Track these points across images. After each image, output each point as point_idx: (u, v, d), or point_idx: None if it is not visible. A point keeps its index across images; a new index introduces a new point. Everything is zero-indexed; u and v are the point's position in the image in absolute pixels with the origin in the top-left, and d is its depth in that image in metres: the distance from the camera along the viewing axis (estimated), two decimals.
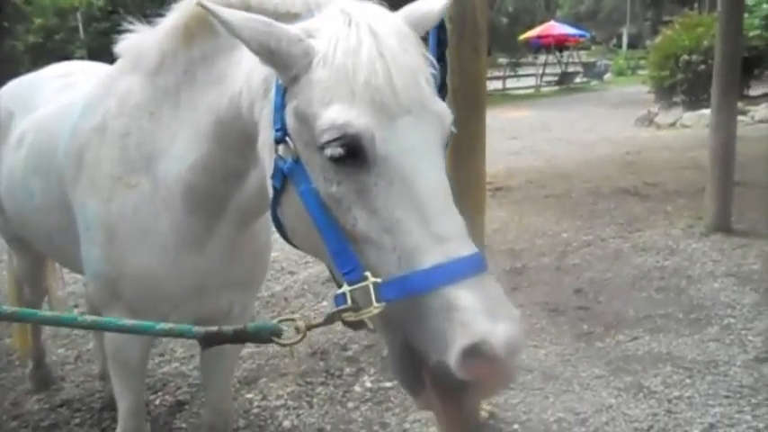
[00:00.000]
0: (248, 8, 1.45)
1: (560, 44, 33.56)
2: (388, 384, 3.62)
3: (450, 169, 2.47)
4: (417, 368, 1.20)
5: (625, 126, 14.78)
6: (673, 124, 14.37)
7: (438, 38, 2.37)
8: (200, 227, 1.85)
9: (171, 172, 1.79)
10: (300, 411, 3.42)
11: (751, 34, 13.67)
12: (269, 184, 1.40)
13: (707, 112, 11.43)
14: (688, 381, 3.46)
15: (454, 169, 2.47)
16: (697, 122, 13.46)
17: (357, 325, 1.29)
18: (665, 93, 15.80)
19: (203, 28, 1.60)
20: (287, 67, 1.27)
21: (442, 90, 2.39)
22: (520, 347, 1.12)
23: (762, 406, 3.18)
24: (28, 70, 3.23)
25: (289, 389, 3.66)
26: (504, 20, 29.50)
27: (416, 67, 1.29)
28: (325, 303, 4.87)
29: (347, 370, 3.83)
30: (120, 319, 1.40)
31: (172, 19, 1.72)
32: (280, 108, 1.32)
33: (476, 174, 2.62)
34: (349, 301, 1.21)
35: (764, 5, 14.11)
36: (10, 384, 4.00)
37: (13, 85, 2.96)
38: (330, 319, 1.27)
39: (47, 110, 2.44)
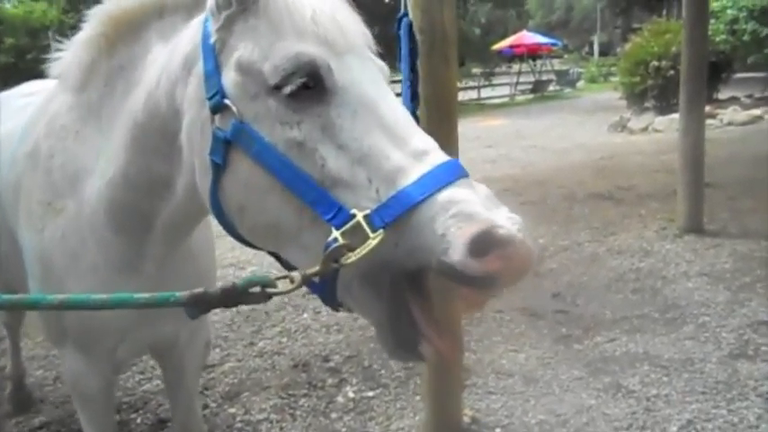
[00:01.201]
0: (162, 4, 1.47)
1: (533, 53, 34.00)
2: (371, 394, 3.64)
3: None
4: (410, 323, 1.14)
5: (598, 132, 15.02)
6: (645, 129, 14.61)
7: (409, 48, 2.42)
8: (128, 248, 1.70)
9: (94, 191, 1.67)
10: (284, 424, 3.41)
11: (717, 39, 14.02)
12: (204, 166, 1.32)
13: (678, 116, 11.68)
14: (665, 379, 3.52)
15: None
16: (668, 126, 13.70)
17: (333, 301, 1.21)
18: (636, 98, 16.09)
19: (122, 35, 1.55)
20: (228, 4, 1.25)
21: (414, 100, 2.44)
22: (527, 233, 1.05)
23: (736, 401, 3.25)
24: None
25: (271, 402, 3.65)
26: (477, 30, 29.78)
27: (353, 14, 1.34)
28: (305, 315, 4.87)
29: (329, 381, 3.83)
30: (95, 294, 1.23)
31: (87, 30, 1.61)
32: (213, 73, 1.27)
33: None
34: (341, 240, 1.10)
35: (729, 11, 14.47)
36: None
37: None
38: (326, 263, 1.12)
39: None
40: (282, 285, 1.19)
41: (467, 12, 27.68)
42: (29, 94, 2.57)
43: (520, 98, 29.93)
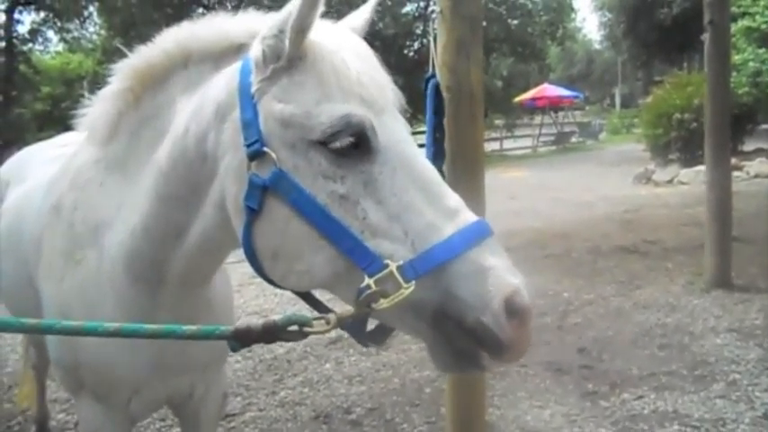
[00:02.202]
0: (188, 54, 1.52)
1: (555, 105, 34.27)
2: None
3: None
4: (463, 334, 1.20)
5: (623, 184, 14.96)
6: (670, 181, 14.55)
7: (435, 106, 2.47)
8: (143, 299, 1.71)
9: (114, 242, 1.69)
10: None
11: (740, 92, 14.03)
12: (237, 210, 1.35)
13: (703, 168, 11.61)
14: None
15: None
16: (694, 179, 13.64)
17: (371, 340, 1.33)
18: (660, 150, 16.08)
19: (148, 87, 1.59)
20: (276, 58, 1.30)
21: (439, 158, 2.49)
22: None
23: None
24: (34, 138, 3.29)
25: None
26: (499, 83, 30.21)
27: (384, 72, 1.41)
28: (327, 366, 4.84)
29: None
30: (146, 325, 1.30)
31: (114, 84, 1.65)
32: (252, 121, 1.32)
33: None
34: (374, 287, 1.19)
35: (751, 64, 14.52)
36: None
37: (18, 154, 2.99)
38: (359, 308, 1.22)
39: (26, 185, 2.39)
40: (318, 326, 1.28)
41: (489, 65, 28.09)
42: (63, 146, 2.61)
43: (542, 150, 30.06)
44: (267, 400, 4.34)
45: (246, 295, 6.64)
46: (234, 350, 1.35)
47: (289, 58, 1.31)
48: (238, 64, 1.41)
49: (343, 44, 1.36)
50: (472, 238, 1.22)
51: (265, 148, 1.29)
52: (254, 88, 1.34)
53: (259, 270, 1.38)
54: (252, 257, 1.36)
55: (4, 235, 2.35)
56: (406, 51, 27.71)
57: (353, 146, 1.26)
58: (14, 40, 23.37)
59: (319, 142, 1.27)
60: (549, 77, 40.53)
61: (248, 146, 1.31)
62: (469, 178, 2.63)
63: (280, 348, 5.24)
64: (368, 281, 1.20)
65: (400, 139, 1.32)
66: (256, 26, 1.44)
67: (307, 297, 1.49)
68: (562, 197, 13.30)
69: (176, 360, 1.87)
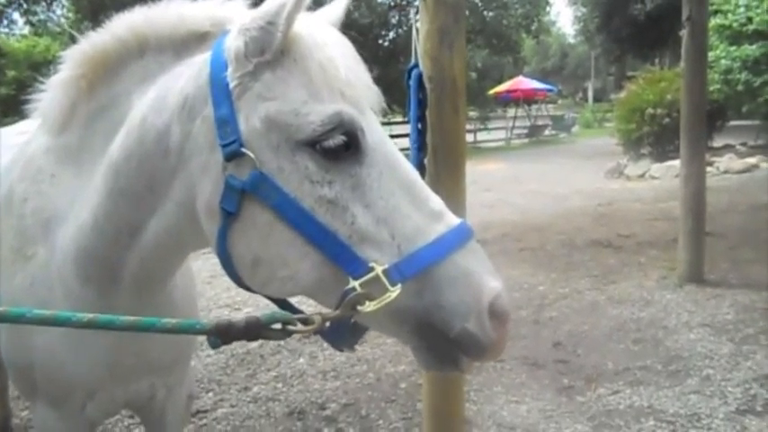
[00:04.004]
0: (144, 42, 1.42)
1: (529, 98, 34.43)
2: None
3: None
4: (445, 339, 1.20)
5: (595, 178, 15.10)
6: (642, 176, 14.72)
7: (418, 98, 2.40)
8: (96, 300, 1.59)
9: (66, 238, 1.58)
10: None
11: (711, 88, 14.21)
12: (212, 213, 1.27)
13: (674, 163, 11.75)
14: None
15: None
16: (665, 173, 13.82)
17: (341, 344, 1.32)
18: (632, 145, 16.23)
19: (102, 76, 1.48)
20: (260, 51, 1.22)
21: (422, 150, 2.42)
22: None
23: None
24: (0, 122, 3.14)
25: None
26: (474, 75, 30.23)
27: (365, 67, 1.36)
28: (301, 360, 4.76)
29: (325, 430, 3.72)
30: (120, 317, 1.22)
31: (65, 71, 1.52)
32: (229, 119, 1.23)
33: None
34: (359, 290, 1.16)
35: (723, 61, 14.70)
36: None
37: None
38: (344, 310, 1.18)
39: None
40: (301, 325, 1.24)
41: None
42: (22, 133, 2.41)
43: (516, 142, 30.22)
44: (239, 396, 4.25)
45: (218, 287, 6.51)
46: (214, 347, 1.26)
47: (276, 51, 1.22)
48: (207, 55, 1.31)
49: (327, 38, 1.29)
50: (456, 241, 1.22)
51: (244, 149, 1.21)
52: (233, 84, 1.24)
53: (235, 276, 1.31)
54: (227, 263, 1.29)
55: None
56: (381, 41, 27.56)
57: (344, 146, 1.20)
58: None
59: (306, 143, 1.20)
60: (523, 70, 40.73)
61: (224, 146, 1.23)
62: (451, 170, 2.57)
63: (252, 343, 5.15)
64: (353, 283, 1.17)
65: (383, 139, 1.29)
66: (218, 14, 1.36)
67: (281, 302, 1.43)
68: (536, 190, 13.36)
69: (134, 362, 1.77)
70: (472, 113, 32.60)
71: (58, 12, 28.09)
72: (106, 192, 1.47)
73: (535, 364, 4.48)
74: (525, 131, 32.00)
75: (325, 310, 1.24)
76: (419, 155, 2.41)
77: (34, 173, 1.68)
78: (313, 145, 1.20)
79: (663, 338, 4.81)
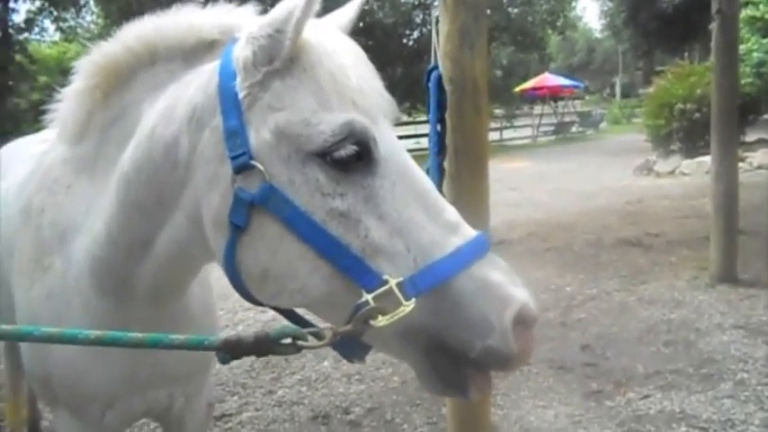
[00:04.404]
0: (153, 51, 1.40)
1: (555, 95, 34.08)
2: None
3: None
4: (454, 365, 1.17)
5: (624, 175, 14.84)
6: (671, 172, 14.43)
7: (438, 100, 2.36)
8: (112, 311, 1.59)
9: (81, 250, 1.57)
10: None
11: (743, 82, 13.88)
12: (220, 227, 1.24)
13: (705, 159, 11.52)
14: None
15: None
16: (696, 170, 13.53)
17: (352, 357, 1.27)
18: (661, 141, 15.94)
19: (114, 86, 1.47)
20: (269, 60, 1.19)
21: (440, 153, 2.37)
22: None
23: None
24: (31, 128, 3.17)
25: None
26: (499, 73, 30.02)
27: (377, 74, 1.32)
28: (326, 363, 4.74)
29: None
30: (129, 332, 1.23)
31: (79, 82, 1.51)
32: (238, 130, 1.20)
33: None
34: (372, 303, 1.12)
35: (755, 54, 14.35)
36: None
37: (2, 149, 2.88)
38: (358, 323, 1.14)
39: (4, 184, 2.26)
40: (312, 340, 1.22)
41: (488, 54, 27.86)
42: (44, 141, 2.51)
43: (542, 140, 29.93)
44: (264, 400, 4.25)
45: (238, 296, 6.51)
46: (223, 362, 1.25)
47: (285, 60, 1.19)
48: (215, 64, 1.29)
49: (336, 46, 1.25)
50: (474, 253, 1.16)
51: (253, 162, 1.18)
52: (242, 94, 1.21)
53: (242, 289, 1.28)
54: (235, 276, 1.26)
55: None
56: (405, 41, 27.47)
57: (356, 157, 1.16)
58: (10, 30, 23.14)
59: (317, 154, 1.17)
60: (549, 67, 40.34)
61: (233, 158, 1.20)
62: (474, 173, 2.52)
63: None
64: (366, 297, 1.13)
65: (396, 149, 1.24)
66: (226, 21, 1.34)
67: (288, 313, 1.40)
68: (563, 188, 13.18)
69: (151, 372, 1.76)
70: (498, 111, 32.39)
71: (88, 18, 28.57)
72: (118, 203, 1.46)
73: (563, 367, 4.40)
74: (552, 129, 31.66)
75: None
76: (438, 158, 2.37)
77: (51, 183, 1.69)
78: (324, 156, 1.17)
79: (695, 341, 4.69)
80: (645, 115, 17.65)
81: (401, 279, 1.13)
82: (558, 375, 4.28)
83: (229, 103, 1.22)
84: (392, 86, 1.57)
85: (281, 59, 1.19)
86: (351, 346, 1.25)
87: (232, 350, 1.20)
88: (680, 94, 15.05)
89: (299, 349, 1.21)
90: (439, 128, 2.38)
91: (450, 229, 1.19)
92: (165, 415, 2.05)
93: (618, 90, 54.59)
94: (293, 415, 4.01)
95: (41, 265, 1.68)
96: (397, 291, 1.12)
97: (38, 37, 27.31)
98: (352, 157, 1.17)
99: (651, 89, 17.74)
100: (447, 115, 2.38)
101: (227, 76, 1.24)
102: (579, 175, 15.31)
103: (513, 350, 1.12)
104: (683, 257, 6.89)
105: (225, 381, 4.53)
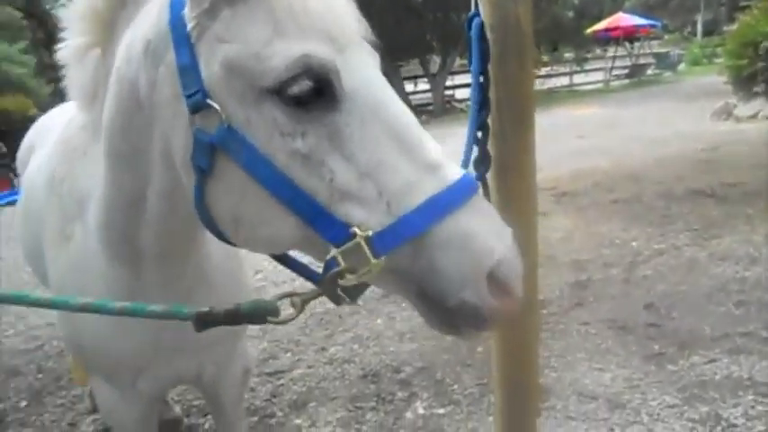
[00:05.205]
0: None
1: (630, 35, 32.31)
2: (442, 411, 3.45)
3: (496, 190, 2.26)
4: (442, 311, 1.10)
5: (701, 120, 13.96)
6: (753, 116, 13.48)
7: (480, 50, 2.18)
8: (124, 275, 1.58)
9: (92, 215, 1.55)
10: None
11: None
12: (186, 169, 1.17)
13: None
14: None
15: (500, 190, 2.26)
16: None
17: (346, 295, 1.17)
18: (743, 83, 14.84)
19: (108, 35, 1.34)
20: None
21: (484, 108, 2.21)
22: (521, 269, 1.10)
23: None
24: None
25: (338, 414, 3.53)
26: (570, 14, 28.61)
27: None
28: (379, 321, 4.72)
29: (399, 395, 3.67)
30: (111, 303, 1.28)
31: (73, 40, 1.41)
32: (190, 66, 1.10)
33: (525, 194, 2.39)
34: (341, 263, 1.06)
35: None
36: (69, 403, 4.05)
37: (43, 117, 2.91)
38: (324, 287, 1.11)
39: (41, 152, 2.27)
40: (283, 314, 1.21)
41: None
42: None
43: (615, 84, 28.59)
44: (316, 357, 4.27)
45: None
46: (198, 331, 1.24)
47: None
48: None
49: None
50: (457, 198, 1.07)
51: (209, 100, 1.09)
52: (190, 25, 1.10)
53: (218, 235, 1.22)
54: (208, 221, 1.19)
55: (23, 203, 2.31)
56: None
57: (314, 93, 1.05)
58: None
59: (273, 91, 1.05)
60: (623, 6, 38.22)
61: (188, 96, 1.10)
62: (519, 129, 2.34)
63: (330, 303, 5.15)
64: (334, 252, 1.07)
65: (369, 80, 1.11)
66: None
67: (284, 259, 1.33)
68: (633, 134, 12.51)
69: (175, 340, 1.75)
70: (568, 55, 31.08)
71: None
72: (105, 158, 1.41)
73: (623, 327, 4.21)
74: (625, 72, 30.18)
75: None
76: (481, 113, 2.20)
77: (70, 151, 1.68)
78: (279, 93, 1.05)
79: None
80: (725, 55, 16.47)
81: (369, 234, 1.05)
82: (617, 336, 4.09)
83: (179, 35, 1.12)
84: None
85: None
86: (334, 297, 1.17)
87: (203, 321, 1.22)
88: (766, 31, 13.94)
89: (266, 320, 1.20)
90: (483, 81, 2.21)
91: (429, 170, 1.08)
92: (199, 382, 2.08)
93: (699, 28, 51.34)
94: (344, 373, 4.01)
95: (64, 234, 1.70)
96: (365, 247, 1.04)
97: None
98: (309, 94, 1.05)
99: (734, 26, 16.50)
100: (489, 67, 2.21)
101: (177, 5, 1.13)
102: (652, 121, 14.53)
103: (489, 305, 1.05)
104: (760, 210, 6.41)
105: (279, 338, 4.58)
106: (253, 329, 4.42)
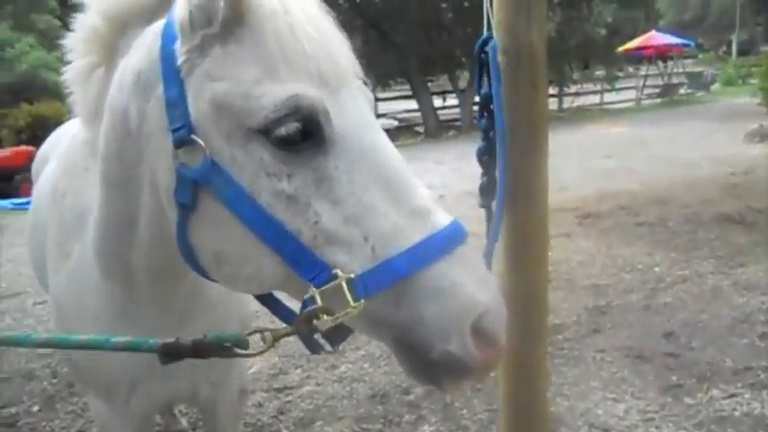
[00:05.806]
0: (124, 17, 1.30)
1: (662, 54, 31.92)
2: None
3: (508, 216, 2.21)
4: (423, 359, 1.06)
5: (732, 142, 13.65)
6: None
7: (497, 74, 2.15)
8: (119, 294, 1.56)
9: (89, 232, 1.54)
10: None
11: None
12: (170, 204, 1.15)
13: None
14: None
15: (512, 215, 2.22)
16: None
17: (327, 340, 1.15)
18: None
19: (112, 57, 1.34)
20: (208, 21, 1.06)
21: (490, 131, 2.17)
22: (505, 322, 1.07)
23: None
24: None
25: None
26: (603, 31, 28.32)
27: (340, 35, 1.15)
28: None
29: (407, 417, 3.61)
30: (73, 335, 1.28)
31: (78, 61, 1.40)
32: (178, 101, 1.09)
33: (537, 220, 2.34)
34: (318, 302, 1.03)
35: None
36: (80, 410, 4.06)
37: (59, 128, 2.93)
38: (298, 325, 1.07)
39: (51, 164, 2.27)
40: (252, 348, 1.15)
41: (591, 12, 26.33)
42: None
43: (646, 103, 28.25)
44: (326, 375, 4.23)
45: None
46: (163, 363, 1.20)
47: (223, 22, 1.05)
48: (160, 24, 1.16)
49: (289, 4, 1.09)
50: (442, 246, 1.04)
51: (193, 136, 1.08)
52: (180, 60, 1.08)
53: (200, 270, 1.20)
54: (190, 257, 1.18)
55: (31, 212, 2.32)
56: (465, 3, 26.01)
57: (302, 134, 1.03)
58: None
59: (260, 131, 1.03)
60: (657, 24, 37.83)
61: (174, 131, 1.09)
62: (531, 153, 2.30)
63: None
64: (312, 291, 1.04)
65: (360, 123, 1.10)
66: None
67: (264, 298, 1.28)
68: (662, 155, 12.30)
69: None
70: (599, 73, 30.81)
71: None
72: (101, 181, 1.40)
73: (641, 356, 4.10)
74: (657, 91, 29.79)
75: None
76: (487, 138, 2.17)
77: (72, 167, 1.68)
78: (267, 133, 1.03)
79: None
80: (760, 76, 16.18)
81: (351, 276, 1.02)
82: (634, 365, 3.98)
83: (169, 69, 1.11)
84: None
85: (219, 21, 1.05)
86: (310, 342, 1.15)
87: (169, 352, 1.17)
88: None
89: (235, 353, 1.14)
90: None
91: (416, 216, 1.06)
92: (194, 402, 2.07)
93: (734, 48, 50.53)
94: (352, 392, 3.97)
95: (64, 250, 1.70)
96: (345, 289, 1.01)
97: None
98: (297, 135, 1.03)
99: None
100: (501, 89, 2.17)
101: (168, 40, 1.12)
102: (682, 142, 14.26)
103: (473, 358, 1.02)
104: None
105: (290, 353, 4.55)
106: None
